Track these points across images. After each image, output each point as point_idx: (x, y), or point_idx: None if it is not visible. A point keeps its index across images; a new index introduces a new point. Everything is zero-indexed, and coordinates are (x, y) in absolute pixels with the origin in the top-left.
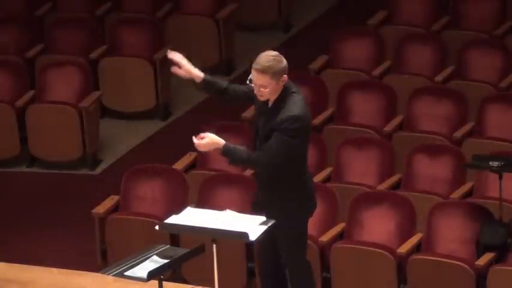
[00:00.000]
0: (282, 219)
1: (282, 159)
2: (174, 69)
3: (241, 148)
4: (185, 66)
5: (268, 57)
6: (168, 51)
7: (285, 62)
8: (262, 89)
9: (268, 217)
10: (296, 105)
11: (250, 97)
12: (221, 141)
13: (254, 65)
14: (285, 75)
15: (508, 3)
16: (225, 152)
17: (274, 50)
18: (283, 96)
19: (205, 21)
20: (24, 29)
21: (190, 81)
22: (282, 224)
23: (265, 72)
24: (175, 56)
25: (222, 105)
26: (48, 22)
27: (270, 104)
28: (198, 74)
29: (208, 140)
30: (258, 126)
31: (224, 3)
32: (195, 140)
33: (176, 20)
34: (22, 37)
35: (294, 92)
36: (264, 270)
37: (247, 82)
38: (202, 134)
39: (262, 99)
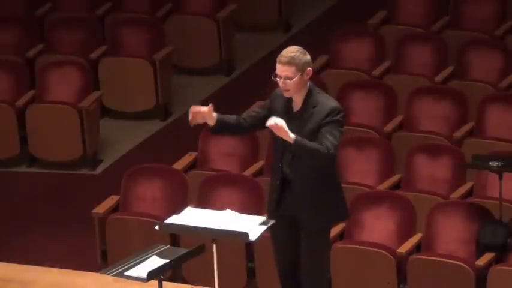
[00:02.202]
0: (317, 220)
1: (337, 151)
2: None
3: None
4: (202, 112)
5: (293, 48)
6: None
7: (309, 55)
8: (287, 81)
9: (299, 218)
10: (330, 99)
11: (261, 119)
12: (290, 132)
13: (279, 58)
14: (310, 69)
15: (508, 3)
16: (298, 140)
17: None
18: (312, 95)
19: (205, 21)
20: (24, 29)
21: (203, 121)
22: (315, 225)
23: (290, 63)
24: (195, 109)
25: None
26: (48, 22)
27: (297, 107)
28: (214, 116)
29: (283, 124)
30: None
31: (224, 3)
32: (271, 121)
33: (176, 20)
34: (22, 37)
35: (318, 92)
36: (285, 272)
37: (272, 78)
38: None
39: (288, 94)
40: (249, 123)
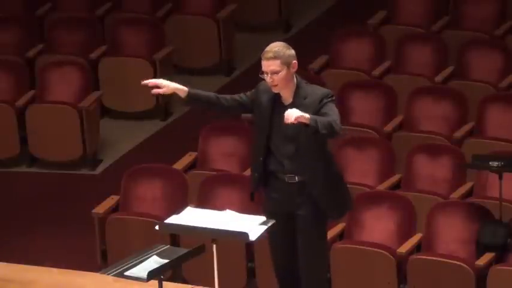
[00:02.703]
0: (320, 210)
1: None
2: (154, 91)
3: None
4: (166, 85)
5: (276, 44)
6: (142, 82)
7: (292, 49)
8: (274, 76)
9: (297, 211)
10: (318, 88)
11: (243, 105)
12: (305, 114)
13: (263, 54)
14: (295, 62)
15: (508, 3)
16: (313, 120)
17: None
18: (301, 87)
19: (205, 21)
20: (24, 29)
21: (176, 96)
22: (315, 216)
23: (275, 57)
24: (151, 81)
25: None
26: (48, 22)
27: (287, 100)
28: (182, 88)
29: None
30: (273, 126)
31: (224, 3)
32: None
33: (176, 20)
34: (22, 37)
35: (306, 84)
36: (282, 269)
37: (260, 75)
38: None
39: (276, 89)
40: (229, 103)
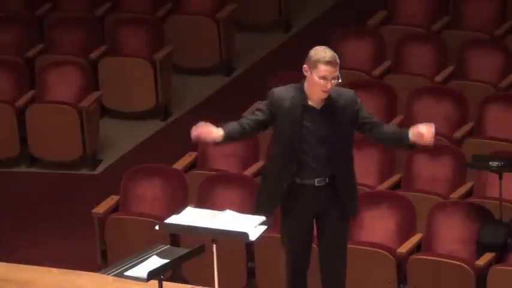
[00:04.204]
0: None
1: None
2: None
3: (395, 128)
4: (206, 132)
5: (329, 49)
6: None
7: None
8: (333, 81)
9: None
10: (343, 89)
11: (263, 123)
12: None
13: (326, 59)
14: None
15: (508, 3)
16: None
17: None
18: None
19: (205, 21)
20: (24, 29)
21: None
22: (346, 213)
23: (338, 63)
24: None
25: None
26: (48, 22)
27: (318, 103)
28: (217, 135)
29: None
30: (308, 134)
31: (224, 3)
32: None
33: (176, 20)
34: (22, 37)
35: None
36: (301, 271)
37: (317, 79)
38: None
39: (325, 95)
40: (252, 127)
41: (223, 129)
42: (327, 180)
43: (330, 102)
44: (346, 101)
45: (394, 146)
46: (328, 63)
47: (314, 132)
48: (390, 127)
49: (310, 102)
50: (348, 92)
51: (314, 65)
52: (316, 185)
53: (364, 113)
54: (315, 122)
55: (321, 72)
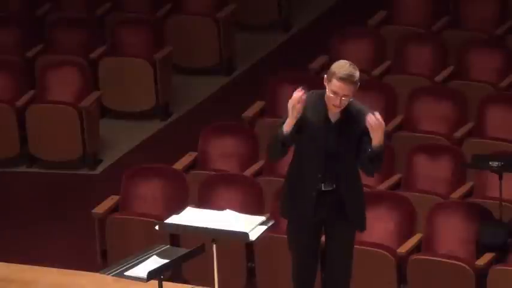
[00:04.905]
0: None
1: None
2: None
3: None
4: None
5: (350, 67)
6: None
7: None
8: (344, 99)
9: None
10: (361, 105)
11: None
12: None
13: (341, 76)
14: (359, 83)
15: (508, 3)
16: (383, 147)
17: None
18: (350, 105)
19: (205, 21)
20: (24, 29)
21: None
22: (350, 228)
23: (353, 82)
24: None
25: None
26: (48, 22)
27: (334, 116)
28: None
29: (382, 124)
30: (325, 145)
31: (224, 3)
32: (373, 117)
33: (176, 20)
34: (22, 37)
35: (352, 100)
36: (308, 284)
37: (329, 94)
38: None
39: (337, 110)
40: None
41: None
42: (334, 186)
43: (346, 116)
44: (359, 119)
45: (367, 166)
46: (341, 79)
47: (328, 145)
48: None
49: (329, 115)
50: (365, 111)
51: (330, 78)
52: (323, 189)
53: (367, 139)
54: (329, 134)
55: (333, 87)
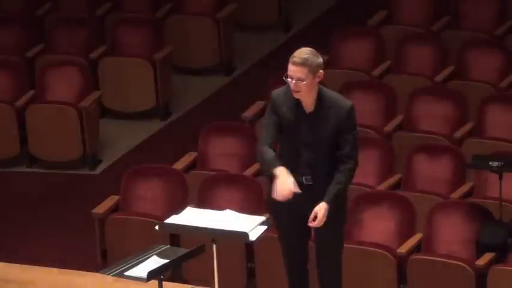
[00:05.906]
0: (336, 212)
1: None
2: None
3: (335, 183)
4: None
5: (306, 50)
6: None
7: (321, 58)
8: (299, 83)
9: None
10: (341, 98)
11: (279, 129)
12: (324, 205)
13: (292, 59)
14: (322, 71)
15: (508, 3)
16: (333, 200)
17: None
18: (323, 95)
19: (205, 21)
20: (24, 29)
21: None
22: (335, 217)
23: (304, 64)
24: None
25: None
26: (48, 22)
27: (308, 108)
28: (290, 180)
29: (321, 212)
30: (302, 136)
31: (224, 3)
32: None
33: (176, 20)
34: (22, 37)
35: (327, 91)
36: (299, 271)
37: (284, 78)
38: (312, 215)
39: (298, 95)
40: (276, 136)
41: (279, 164)
42: (313, 182)
43: (319, 108)
44: (338, 111)
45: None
46: (293, 63)
47: (302, 135)
48: (337, 176)
49: (303, 106)
50: (344, 102)
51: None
52: (304, 182)
53: (344, 135)
54: (303, 126)
55: (288, 71)
